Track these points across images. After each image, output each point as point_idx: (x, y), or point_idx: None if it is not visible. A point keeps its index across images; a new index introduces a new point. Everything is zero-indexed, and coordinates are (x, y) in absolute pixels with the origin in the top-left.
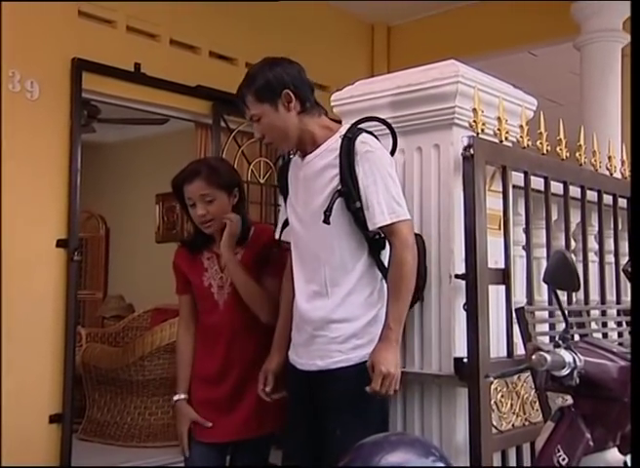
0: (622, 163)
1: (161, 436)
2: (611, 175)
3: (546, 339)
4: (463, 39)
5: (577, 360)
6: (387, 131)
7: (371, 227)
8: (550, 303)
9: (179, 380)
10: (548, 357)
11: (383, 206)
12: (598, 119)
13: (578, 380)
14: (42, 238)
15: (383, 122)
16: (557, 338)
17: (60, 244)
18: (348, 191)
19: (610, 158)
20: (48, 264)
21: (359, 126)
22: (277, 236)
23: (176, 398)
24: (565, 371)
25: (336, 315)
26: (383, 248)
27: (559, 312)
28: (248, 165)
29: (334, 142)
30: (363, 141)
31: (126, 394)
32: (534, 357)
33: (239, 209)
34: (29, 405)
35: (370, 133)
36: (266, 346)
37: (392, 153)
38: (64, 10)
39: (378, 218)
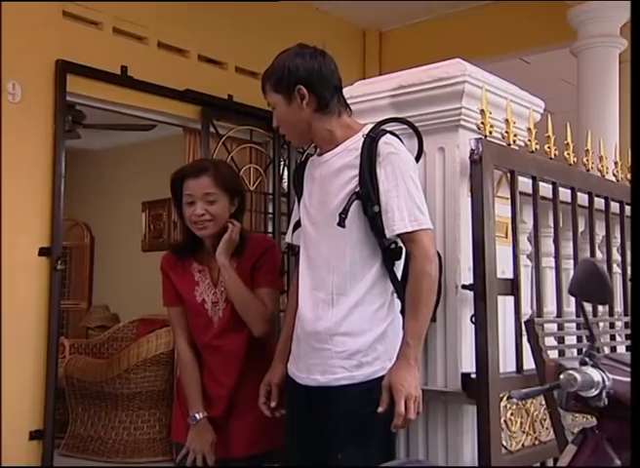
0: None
1: (147, 451)
2: (617, 181)
3: (556, 354)
4: (455, 45)
5: (605, 379)
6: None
7: (389, 234)
8: (559, 315)
9: (193, 399)
10: (578, 376)
11: (404, 212)
12: (596, 125)
13: (606, 401)
14: (24, 246)
15: (409, 124)
16: (583, 355)
17: (42, 252)
18: (367, 194)
19: (616, 164)
20: (30, 273)
21: (382, 126)
22: (288, 239)
23: (199, 416)
24: (594, 392)
25: (341, 328)
26: (398, 258)
27: (568, 324)
28: (238, 171)
29: (355, 142)
30: (387, 142)
31: (110, 408)
32: (562, 376)
33: (236, 219)
34: (8, 420)
35: (394, 134)
36: (261, 367)
37: (418, 158)
38: (48, 10)
39: (397, 225)
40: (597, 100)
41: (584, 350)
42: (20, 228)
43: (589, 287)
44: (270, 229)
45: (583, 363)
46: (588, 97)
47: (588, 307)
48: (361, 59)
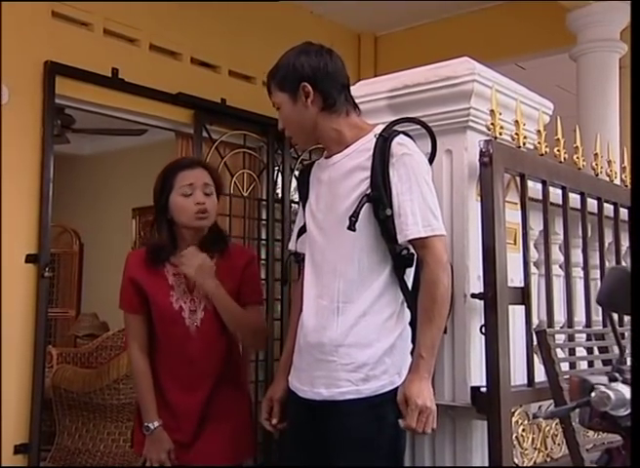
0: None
1: (136, 464)
2: (626, 186)
3: (566, 366)
4: (451, 49)
5: None
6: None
7: (401, 240)
8: (570, 325)
9: (148, 408)
10: (612, 395)
11: (418, 217)
12: (596, 130)
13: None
14: (10, 252)
15: (422, 124)
16: (612, 370)
17: (29, 259)
18: (379, 196)
19: (624, 169)
20: (16, 281)
21: (394, 127)
22: (292, 246)
23: (152, 426)
24: (625, 411)
25: (347, 338)
26: (410, 266)
27: (577, 335)
28: (231, 177)
29: (366, 143)
30: (400, 143)
31: (99, 419)
32: (593, 394)
33: None
34: None
35: (407, 135)
36: (235, 377)
37: (431, 160)
38: (37, 10)
39: (411, 230)
40: (597, 105)
41: (613, 364)
42: (7, 234)
43: (620, 296)
44: (264, 236)
45: (613, 378)
46: (588, 103)
47: (597, 317)
48: (356, 63)
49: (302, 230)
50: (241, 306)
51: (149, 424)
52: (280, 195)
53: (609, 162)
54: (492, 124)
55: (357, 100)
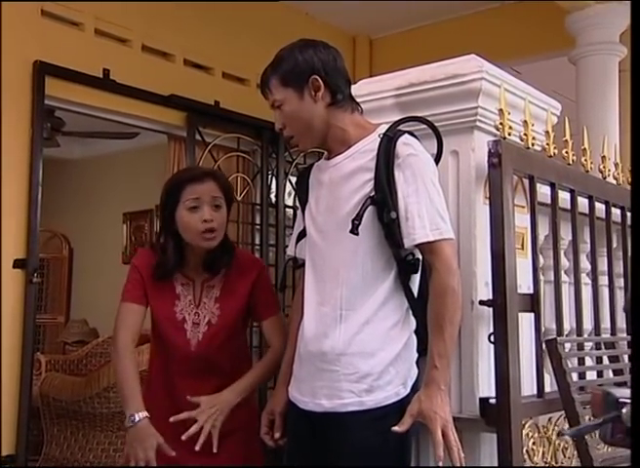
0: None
1: None
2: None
3: (575, 376)
4: (447, 53)
5: None
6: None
7: (408, 243)
8: (580, 334)
9: (132, 395)
10: None
11: (425, 220)
12: (595, 134)
13: None
14: None
15: (428, 123)
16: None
17: (17, 264)
18: (383, 199)
19: (630, 171)
20: (4, 286)
21: (399, 126)
22: (290, 252)
23: (138, 417)
24: None
25: (350, 347)
26: (415, 271)
27: (586, 343)
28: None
29: (369, 143)
30: (406, 143)
31: (88, 429)
32: (625, 410)
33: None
34: None
35: (413, 134)
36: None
37: (437, 161)
38: (26, 9)
39: (418, 234)
40: (597, 109)
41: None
42: None
43: None
44: (258, 241)
45: None
46: (588, 106)
47: (606, 325)
48: (351, 67)
49: (302, 235)
50: (259, 321)
51: (135, 414)
52: (274, 199)
53: (616, 164)
54: (500, 123)
55: (359, 100)
